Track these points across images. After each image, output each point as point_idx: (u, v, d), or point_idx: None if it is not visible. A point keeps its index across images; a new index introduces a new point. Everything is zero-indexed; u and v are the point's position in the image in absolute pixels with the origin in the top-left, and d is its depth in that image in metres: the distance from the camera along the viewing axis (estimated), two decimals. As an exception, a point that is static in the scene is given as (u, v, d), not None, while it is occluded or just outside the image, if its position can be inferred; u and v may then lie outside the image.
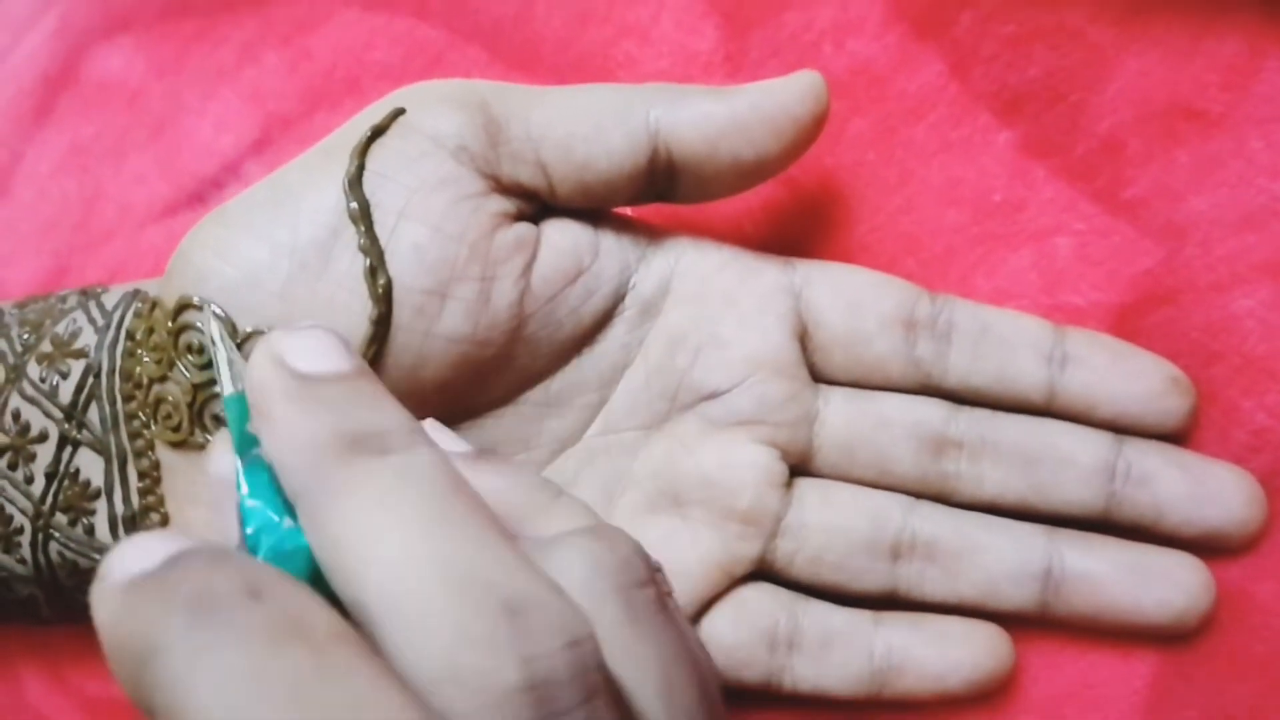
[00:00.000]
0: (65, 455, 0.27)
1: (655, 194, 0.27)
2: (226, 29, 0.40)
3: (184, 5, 0.42)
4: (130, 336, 0.27)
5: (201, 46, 0.41)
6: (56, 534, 0.28)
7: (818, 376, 0.28)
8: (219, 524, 0.19)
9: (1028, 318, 0.27)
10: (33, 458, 0.28)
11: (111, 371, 0.27)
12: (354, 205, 0.24)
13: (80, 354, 0.28)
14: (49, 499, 0.28)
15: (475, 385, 0.26)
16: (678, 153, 0.26)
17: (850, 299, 0.27)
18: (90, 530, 0.27)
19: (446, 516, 0.17)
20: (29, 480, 0.28)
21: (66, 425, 0.27)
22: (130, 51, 0.42)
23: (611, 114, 0.26)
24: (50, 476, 0.28)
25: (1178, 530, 0.26)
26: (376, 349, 0.25)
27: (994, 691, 0.27)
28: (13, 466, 0.28)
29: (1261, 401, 0.26)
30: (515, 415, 0.27)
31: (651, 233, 0.28)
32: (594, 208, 0.27)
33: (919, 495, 0.27)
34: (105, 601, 0.16)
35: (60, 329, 0.28)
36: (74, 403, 0.27)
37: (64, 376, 0.27)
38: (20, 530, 0.28)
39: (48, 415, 0.28)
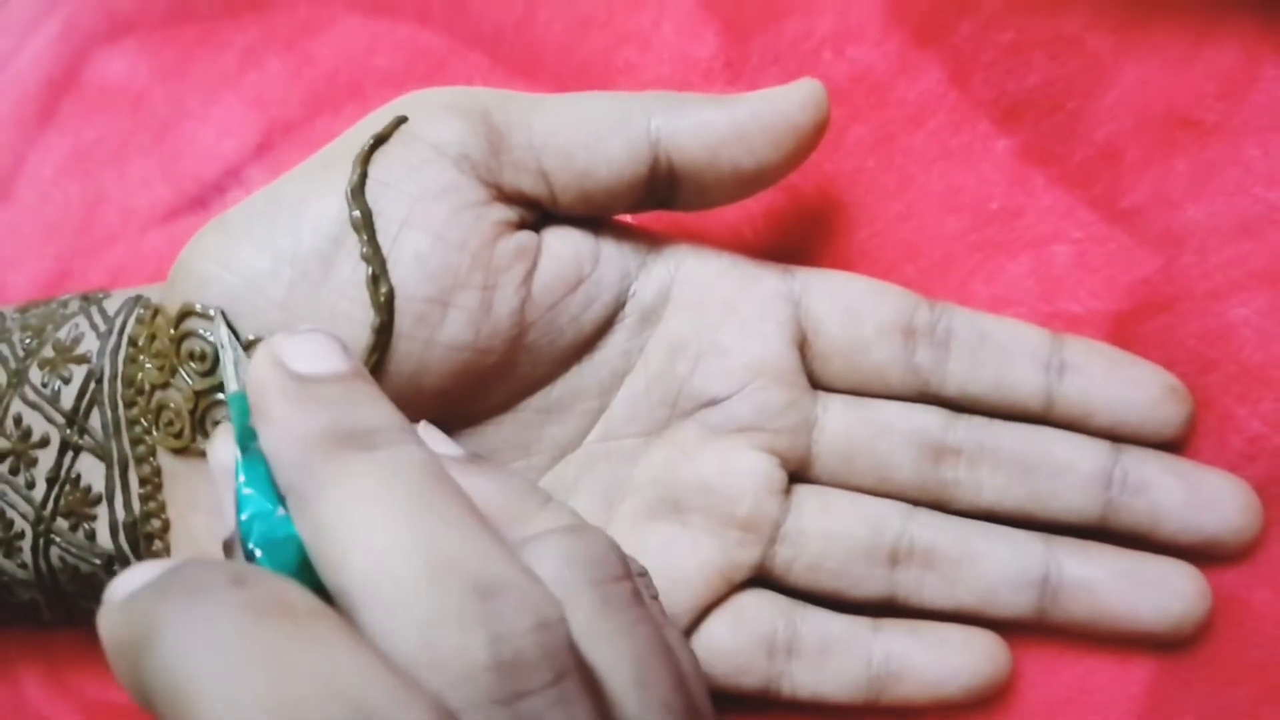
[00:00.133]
0: (67, 460, 0.28)
1: (656, 202, 0.27)
2: (229, 34, 0.41)
3: (187, 10, 0.42)
4: (132, 343, 0.27)
5: (204, 51, 0.41)
6: (57, 539, 0.28)
7: (817, 384, 0.28)
8: (219, 510, 0.21)
9: (1026, 326, 0.28)
10: (34, 463, 0.28)
11: (113, 377, 0.27)
12: (356, 214, 0.24)
13: (82, 359, 0.28)
14: (50, 504, 0.28)
15: (476, 392, 0.26)
16: (678, 161, 0.26)
17: (849, 306, 0.28)
18: (91, 535, 0.27)
19: (427, 506, 0.18)
20: (30, 485, 0.28)
21: (68, 430, 0.28)
22: (133, 56, 0.42)
23: (612, 122, 0.26)
24: (51, 481, 0.28)
25: (1174, 538, 0.26)
26: (378, 357, 0.25)
27: (991, 698, 0.27)
28: (14, 471, 0.28)
29: (1257, 409, 0.27)
30: (516, 422, 0.27)
31: (652, 240, 0.28)
32: (595, 215, 0.27)
33: (917, 502, 0.27)
34: (108, 616, 0.17)
35: (62, 334, 0.28)
36: (76, 408, 0.27)
37: (66, 382, 0.28)
38: (21, 535, 0.28)
39: (49, 420, 0.28)
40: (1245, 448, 0.27)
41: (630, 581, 0.21)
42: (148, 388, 0.26)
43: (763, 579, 0.27)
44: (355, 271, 0.24)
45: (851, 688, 0.26)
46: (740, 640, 0.27)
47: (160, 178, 0.40)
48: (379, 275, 0.24)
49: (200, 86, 0.41)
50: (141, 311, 0.28)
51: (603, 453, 0.28)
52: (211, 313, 0.25)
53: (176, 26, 0.42)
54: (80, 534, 0.28)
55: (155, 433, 0.26)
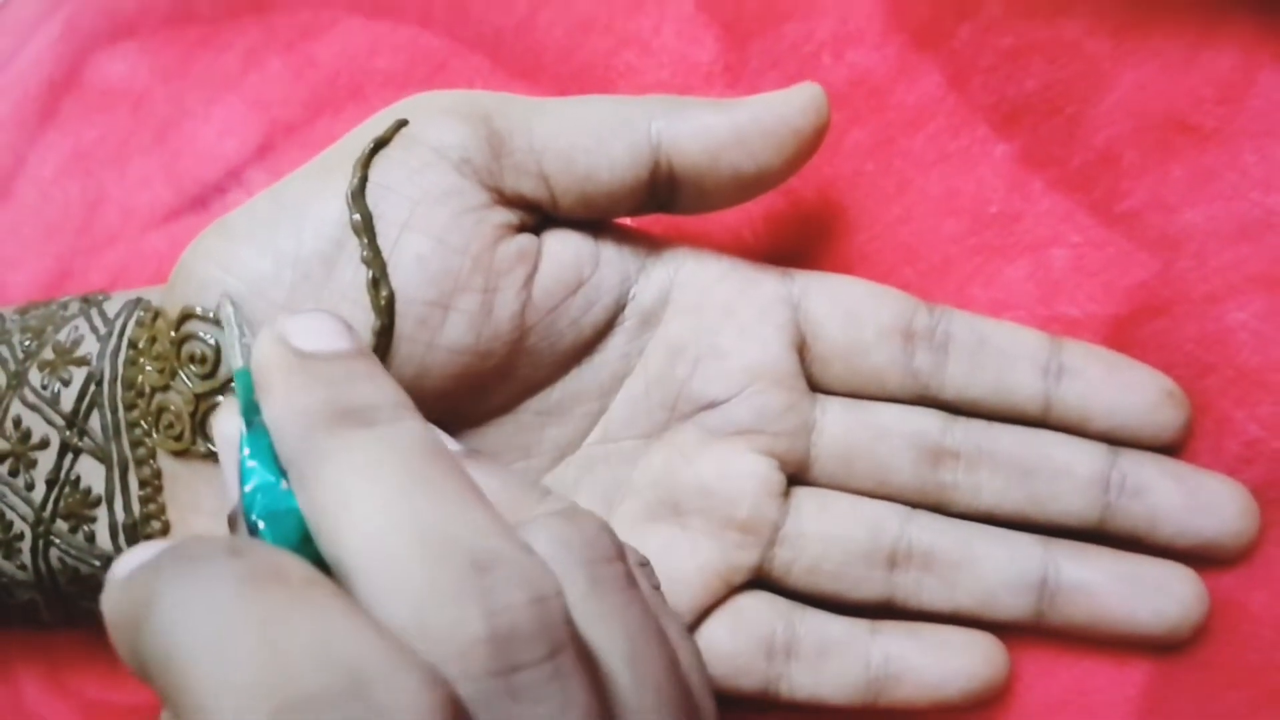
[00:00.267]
0: (66, 462, 0.28)
1: (656, 205, 0.27)
2: (230, 35, 0.41)
3: (188, 11, 0.42)
4: (132, 345, 0.27)
5: (206, 52, 0.41)
6: (57, 540, 0.28)
7: (816, 387, 0.28)
8: (225, 481, 0.21)
9: (1024, 329, 0.28)
10: (34, 464, 0.28)
11: (113, 380, 0.27)
12: (357, 217, 0.25)
13: (82, 361, 0.28)
14: (50, 505, 0.28)
15: (477, 395, 0.26)
16: (679, 165, 0.26)
17: (848, 310, 0.28)
18: (91, 537, 0.28)
19: (423, 481, 0.18)
20: (30, 487, 0.28)
21: (68, 432, 0.28)
22: (135, 57, 0.42)
23: (613, 126, 0.26)
24: (51, 483, 0.28)
25: (1172, 541, 0.26)
26: (379, 360, 0.25)
27: (989, 700, 0.27)
28: (14, 473, 0.28)
29: (1254, 413, 0.27)
30: (515, 424, 0.28)
31: (651, 243, 0.28)
32: (595, 218, 0.27)
33: (916, 505, 0.27)
34: (109, 594, 0.18)
35: (62, 336, 0.28)
36: (75, 410, 0.27)
37: (65, 384, 0.28)
38: (21, 536, 0.28)
39: (49, 422, 0.28)
40: (1243, 451, 0.27)
41: (623, 564, 0.21)
42: (148, 390, 0.26)
43: (762, 581, 0.27)
44: (356, 275, 0.25)
45: (850, 689, 0.27)
46: (739, 642, 0.27)
47: (161, 178, 0.40)
48: (380, 279, 0.24)
49: (201, 87, 0.41)
50: (142, 314, 0.28)
51: (602, 455, 0.28)
52: (212, 315, 0.25)
53: (178, 27, 0.42)
54: (80, 536, 0.28)
55: (155, 435, 0.26)
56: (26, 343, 0.29)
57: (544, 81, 0.35)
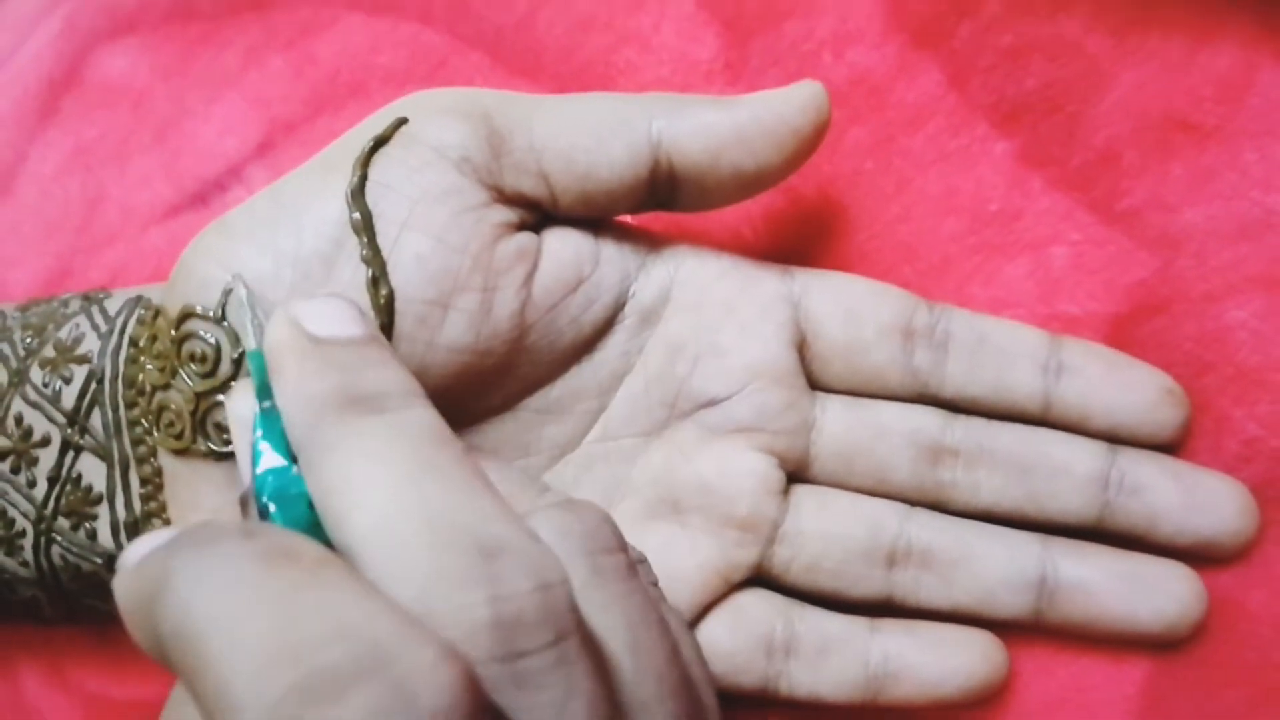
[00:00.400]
0: (67, 460, 0.28)
1: (656, 203, 0.27)
2: (231, 32, 0.41)
3: (189, 9, 0.42)
4: (133, 343, 0.27)
5: (206, 50, 0.41)
6: (58, 538, 0.28)
7: (816, 385, 0.28)
8: (238, 461, 0.21)
9: (1024, 327, 0.28)
10: (35, 462, 0.28)
11: (114, 378, 0.27)
12: (356, 216, 0.25)
13: (83, 359, 0.28)
14: (51, 503, 0.28)
15: (476, 393, 0.27)
16: (679, 163, 0.26)
17: (849, 308, 0.28)
18: (92, 535, 0.28)
19: (432, 468, 0.19)
20: (31, 484, 0.28)
21: (69, 430, 0.28)
22: (135, 54, 0.42)
23: (613, 125, 0.26)
24: (52, 481, 0.28)
25: (1170, 540, 0.26)
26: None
27: (988, 698, 0.27)
28: (15, 470, 0.28)
29: (1253, 411, 0.27)
30: (515, 422, 0.28)
31: (651, 241, 0.28)
32: (595, 217, 0.27)
33: (915, 503, 0.27)
34: (122, 580, 0.18)
35: (63, 334, 0.28)
36: (76, 408, 0.27)
37: (67, 381, 0.28)
38: (22, 534, 0.28)
39: (50, 420, 0.28)
40: (1241, 450, 0.27)
41: (624, 555, 0.21)
42: (149, 388, 0.26)
43: (761, 579, 0.28)
44: (356, 274, 0.25)
45: (849, 687, 0.27)
46: (739, 640, 0.27)
47: (161, 176, 0.40)
48: (379, 277, 0.24)
49: (202, 85, 0.41)
50: (142, 312, 0.28)
51: (602, 453, 0.28)
52: (213, 314, 0.25)
53: (178, 25, 0.42)
54: (81, 533, 0.28)
55: (156, 433, 0.26)
56: (28, 340, 0.29)
57: (544, 79, 0.35)
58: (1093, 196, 0.29)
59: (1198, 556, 0.26)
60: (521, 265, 0.26)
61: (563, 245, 0.27)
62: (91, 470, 0.27)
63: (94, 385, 0.27)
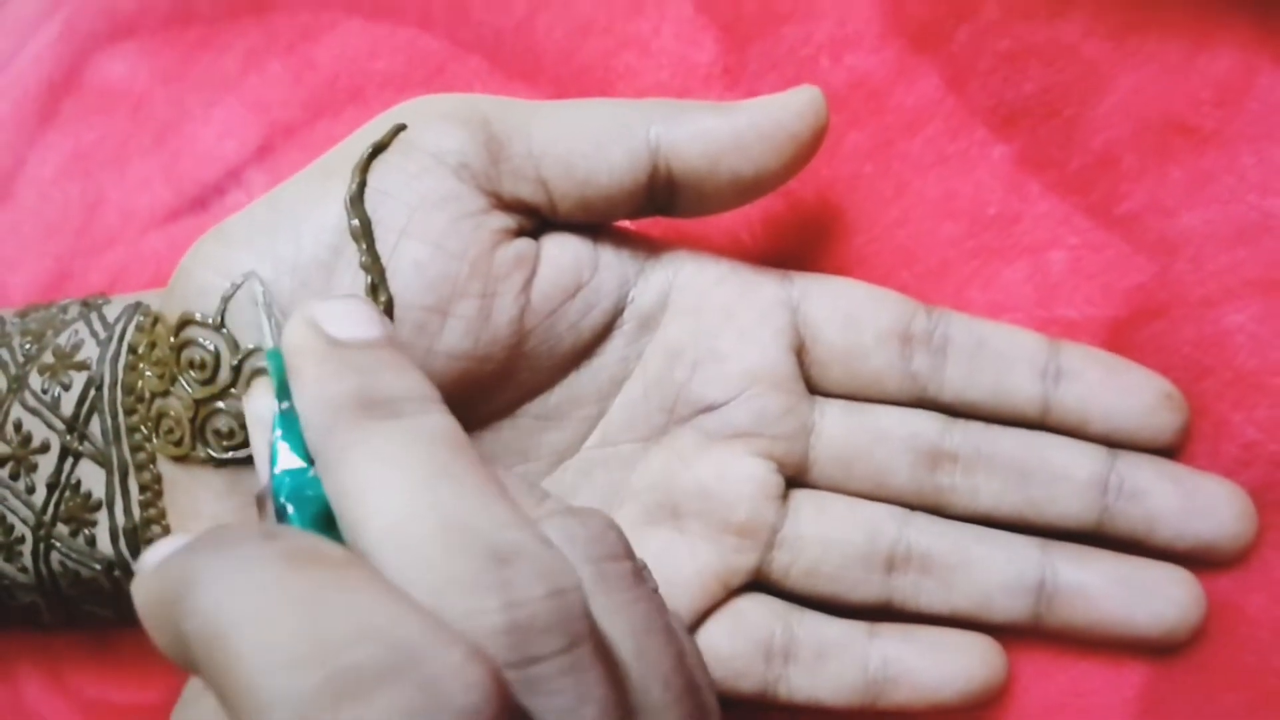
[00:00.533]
0: (67, 466, 0.28)
1: (655, 208, 0.27)
2: (230, 37, 0.41)
3: (188, 12, 0.42)
4: (132, 350, 0.27)
5: (205, 54, 0.41)
6: (58, 544, 0.28)
7: (814, 389, 0.28)
8: (255, 460, 0.21)
9: (1022, 332, 0.28)
10: (34, 468, 0.28)
11: (113, 384, 0.27)
12: (355, 223, 0.25)
13: (82, 366, 0.28)
14: (50, 509, 0.28)
15: (475, 399, 0.27)
16: (678, 169, 0.26)
17: (847, 313, 0.28)
18: (91, 541, 0.28)
19: (446, 472, 0.19)
20: (30, 490, 0.28)
21: (68, 437, 0.28)
22: (134, 58, 0.42)
23: (612, 130, 0.26)
24: (51, 487, 0.28)
25: (1169, 544, 0.26)
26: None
27: (987, 702, 0.27)
28: (14, 476, 0.28)
29: (1251, 416, 0.27)
30: (514, 428, 0.28)
31: (650, 246, 0.28)
32: (593, 222, 0.27)
33: (914, 507, 0.27)
34: (141, 583, 0.18)
35: (62, 340, 0.28)
36: (76, 414, 0.27)
37: (66, 388, 0.28)
38: (22, 540, 0.28)
39: (49, 426, 0.28)
40: (1240, 454, 0.27)
41: (630, 561, 0.21)
42: (148, 395, 0.26)
43: (760, 584, 0.28)
44: (355, 280, 0.25)
45: (848, 692, 0.27)
46: (738, 645, 0.27)
47: (160, 179, 0.40)
48: (378, 284, 0.25)
49: (201, 89, 0.41)
50: (141, 319, 0.28)
51: (601, 459, 0.28)
52: (212, 320, 0.25)
53: (177, 29, 0.42)
54: (80, 539, 0.28)
55: (155, 440, 0.26)
56: (27, 346, 0.29)
57: (543, 83, 0.35)
58: (1091, 200, 0.29)
59: (1197, 560, 0.26)
60: (520, 271, 0.26)
61: (561, 251, 0.27)
62: (91, 477, 0.27)
63: (93, 392, 0.27)
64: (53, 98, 0.43)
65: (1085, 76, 0.29)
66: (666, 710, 0.20)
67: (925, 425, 0.27)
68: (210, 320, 0.25)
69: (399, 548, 0.18)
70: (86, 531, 0.28)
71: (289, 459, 0.20)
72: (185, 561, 0.17)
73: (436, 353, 0.25)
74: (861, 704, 0.27)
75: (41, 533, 0.28)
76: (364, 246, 0.24)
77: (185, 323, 0.25)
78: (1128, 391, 0.27)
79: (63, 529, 0.28)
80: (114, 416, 0.27)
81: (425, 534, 0.18)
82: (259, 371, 0.25)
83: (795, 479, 0.28)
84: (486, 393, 0.27)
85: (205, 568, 0.16)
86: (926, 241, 0.30)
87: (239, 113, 0.40)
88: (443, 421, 0.20)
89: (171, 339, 0.25)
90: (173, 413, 0.26)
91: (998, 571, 0.26)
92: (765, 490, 0.27)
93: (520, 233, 0.26)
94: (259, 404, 0.22)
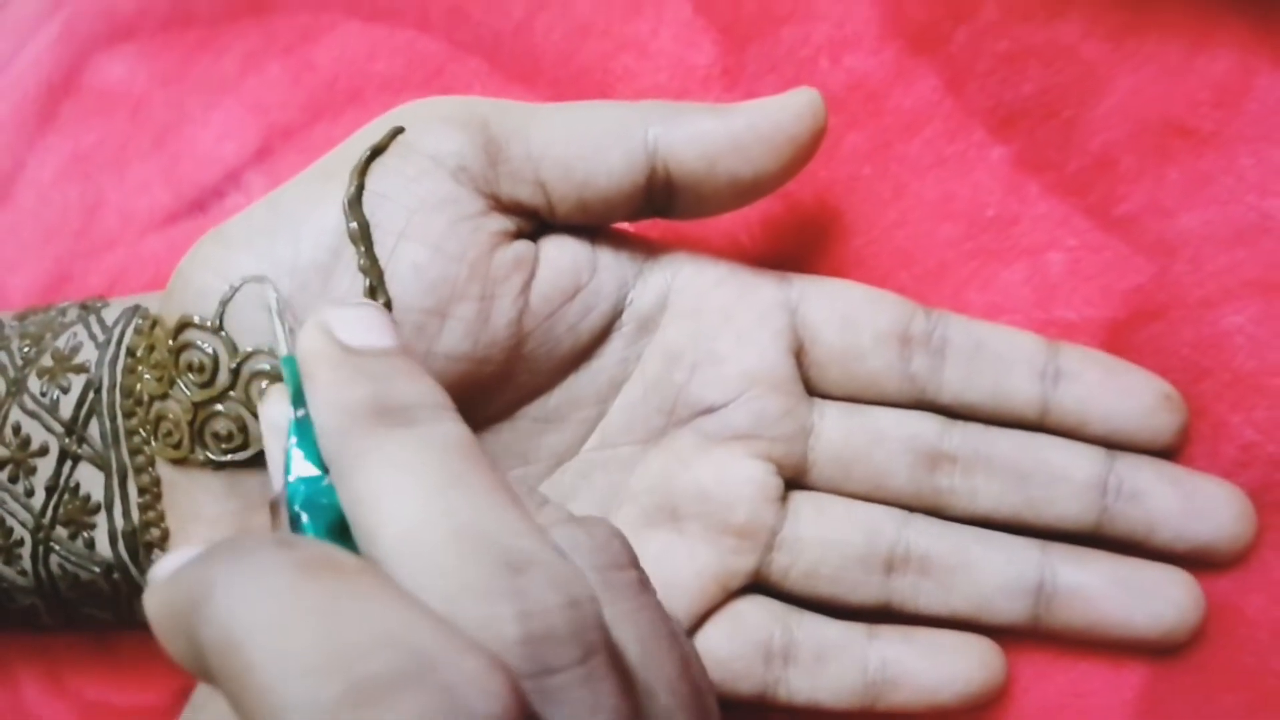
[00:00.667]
0: (65, 469, 0.28)
1: (653, 210, 0.27)
2: (229, 39, 0.41)
3: (187, 15, 0.42)
4: (131, 353, 0.27)
5: (204, 56, 0.41)
6: (57, 547, 0.28)
7: (813, 391, 0.28)
8: (269, 467, 0.21)
9: (1021, 333, 0.28)
10: (33, 471, 0.28)
11: (112, 387, 0.27)
12: (354, 225, 0.25)
13: (81, 369, 0.28)
14: (49, 512, 0.28)
15: (474, 402, 0.26)
16: (676, 171, 0.26)
17: (846, 315, 0.28)
18: (90, 544, 0.28)
19: (460, 481, 0.19)
20: (29, 493, 0.28)
21: (67, 440, 0.28)
22: (133, 60, 0.42)
23: (610, 133, 0.26)
24: (50, 490, 0.28)
25: (1168, 545, 0.26)
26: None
27: (986, 703, 0.27)
28: (13, 479, 0.28)
29: (1250, 417, 0.27)
30: (513, 430, 0.28)
31: (649, 248, 0.28)
32: (592, 224, 0.27)
33: (913, 509, 0.27)
34: (153, 594, 0.18)
35: (61, 343, 0.28)
36: (74, 417, 0.27)
37: (64, 391, 0.28)
38: (21, 542, 0.28)
39: (48, 429, 0.28)
40: (1239, 455, 0.27)
41: (636, 570, 0.21)
42: (146, 398, 0.26)
43: (759, 586, 0.28)
44: (354, 283, 0.25)
45: (847, 694, 0.27)
46: (737, 647, 0.27)
47: (160, 182, 0.40)
48: (377, 287, 0.25)
49: (200, 91, 0.41)
50: (140, 322, 0.28)
51: (600, 461, 0.28)
52: (210, 324, 0.25)
53: (176, 31, 0.42)
54: (79, 542, 0.28)
55: (154, 443, 0.26)
56: (25, 349, 0.29)
57: (541, 85, 0.35)
58: (1089, 202, 0.29)
59: (1196, 561, 0.26)
60: (519, 273, 0.26)
61: (560, 253, 0.27)
62: (89, 480, 0.28)
63: (92, 395, 0.27)
64: (52, 100, 0.43)
65: (1084, 78, 0.29)
66: (672, 717, 0.20)
67: (924, 427, 0.27)
68: (209, 323, 0.25)
69: (413, 555, 0.18)
70: (85, 534, 0.28)
71: (303, 466, 0.20)
72: (200, 571, 0.17)
73: (435, 355, 0.25)
74: (861, 706, 0.27)
75: (40, 535, 0.28)
76: (362, 249, 0.24)
77: (184, 325, 0.25)
78: (1126, 393, 0.27)
79: (62, 532, 0.28)
80: (113, 419, 0.27)
81: (439, 541, 0.18)
82: (258, 374, 0.25)
83: (794, 481, 0.28)
84: (485, 395, 0.27)
85: (221, 576, 0.16)
86: (925, 243, 0.30)
87: (238, 115, 0.40)
88: (456, 429, 0.20)
89: (170, 342, 0.25)
90: (171, 415, 0.26)
91: (997, 573, 0.26)
92: (764, 492, 0.27)
93: (519, 235, 0.26)
94: (273, 410, 0.22)
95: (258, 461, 0.25)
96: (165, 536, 0.27)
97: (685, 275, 0.28)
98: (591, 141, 0.26)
